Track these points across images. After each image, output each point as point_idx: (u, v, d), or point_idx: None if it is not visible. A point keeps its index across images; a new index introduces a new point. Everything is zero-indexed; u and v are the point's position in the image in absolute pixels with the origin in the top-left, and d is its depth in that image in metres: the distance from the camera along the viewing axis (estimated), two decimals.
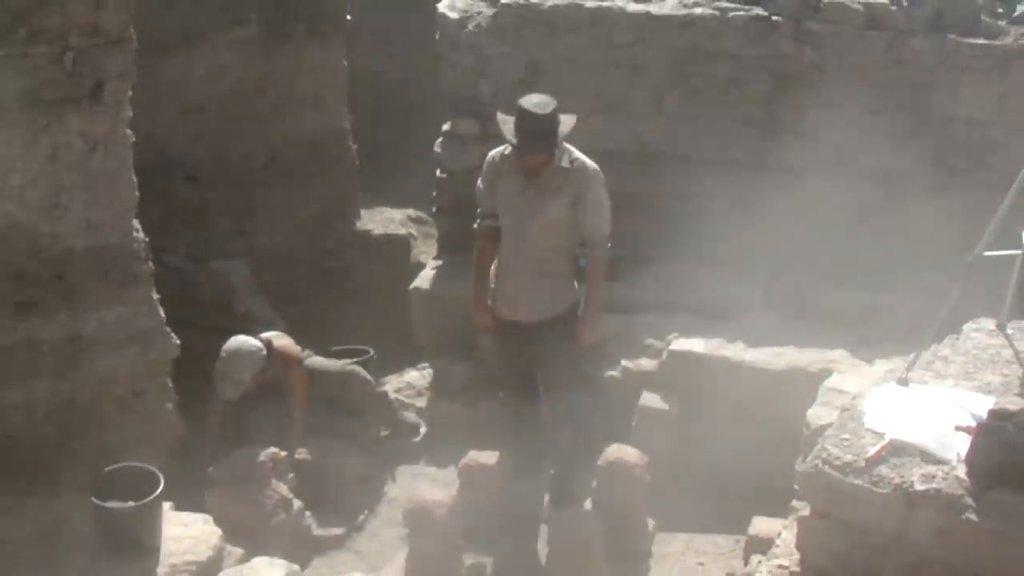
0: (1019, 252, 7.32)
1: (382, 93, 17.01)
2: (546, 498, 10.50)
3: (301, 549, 10.29)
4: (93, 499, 8.98)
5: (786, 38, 12.16)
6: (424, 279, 12.86)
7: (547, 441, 10.56)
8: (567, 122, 9.74)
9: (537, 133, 9.49)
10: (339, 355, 12.01)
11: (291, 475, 10.59)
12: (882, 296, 11.98)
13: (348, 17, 14.90)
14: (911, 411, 7.41)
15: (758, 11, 12.26)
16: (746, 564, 9.31)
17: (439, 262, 13.10)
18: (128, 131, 9.62)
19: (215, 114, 13.98)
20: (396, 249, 15.36)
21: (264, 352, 10.89)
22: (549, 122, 9.54)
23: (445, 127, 13.12)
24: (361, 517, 10.98)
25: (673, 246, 12.44)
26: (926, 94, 12.06)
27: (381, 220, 15.93)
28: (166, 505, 9.33)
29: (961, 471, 6.89)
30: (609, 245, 9.89)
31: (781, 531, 8.61)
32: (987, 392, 7.75)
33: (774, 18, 12.19)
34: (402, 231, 15.77)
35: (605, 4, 12.46)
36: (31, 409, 9.64)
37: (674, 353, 11.14)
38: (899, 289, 12.04)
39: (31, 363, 9.55)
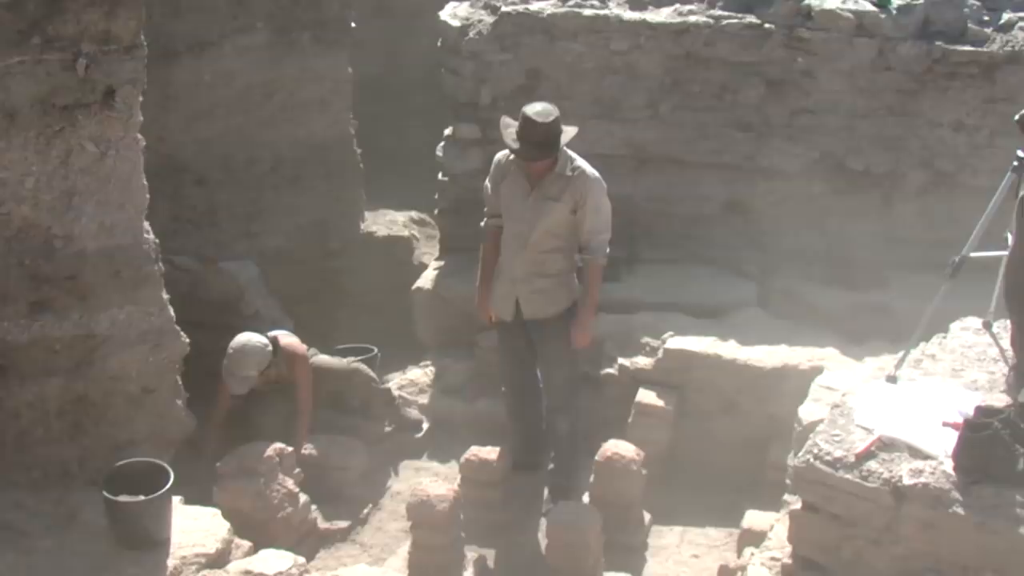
0: (1004, 253, 7.31)
1: (385, 99, 16.99)
2: (545, 492, 10.51)
3: (307, 542, 10.29)
4: (105, 493, 8.96)
5: (778, 45, 12.16)
6: (426, 279, 12.86)
7: (546, 436, 10.56)
8: (569, 132, 9.75)
9: (539, 141, 9.51)
10: (344, 353, 12.01)
11: (297, 470, 10.59)
12: (871, 295, 11.98)
13: (352, 25, 14.89)
14: (900, 408, 7.43)
15: (751, 19, 12.26)
16: (739, 556, 9.31)
17: (441, 263, 13.10)
18: (139, 135, 9.61)
19: (223, 119, 13.96)
20: (399, 250, 15.34)
21: (269, 348, 10.89)
22: (550, 130, 9.56)
23: (447, 132, 13.12)
24: (365, 511, 10.97)
25: (668, 247, 12.47)
26: (914, 99, 12.06)
27: (385, 222, 15.91)
28: (176, 499, 9.32)
29: (948, 466, 6.90)
30: (608, 251, 9.90)
31: (773, 524, 8.63)
32: (974, 389, 7.77)
33: (766, 25, 12.19)
34: (405, 233, 15.75)
35: (602, 12, 12.45)
36: (44, 405, 9.62)
37: (669, 351, 11.15)
38: (888, 289, 12.05)
39: (45, 361, 9.54)
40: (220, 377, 10.90)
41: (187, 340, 10.20)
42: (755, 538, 9.03)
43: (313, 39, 14.42)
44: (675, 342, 11.19)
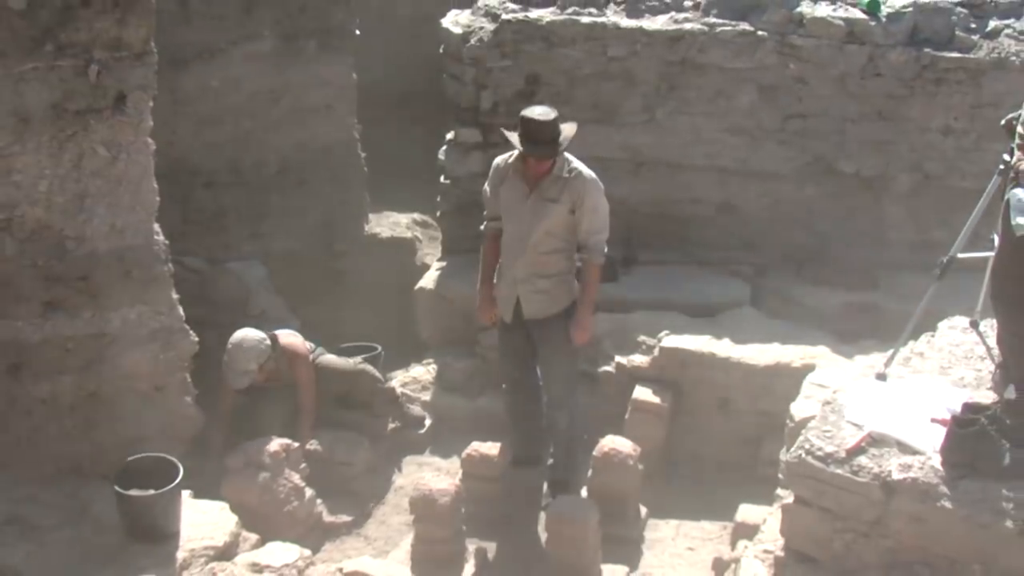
0: (991, 254, 7.32)
1: (389, 104, 17.00)
2: (544, 486, 10.52)
3: (313, 535, 10.29)
4: (116, 487, 8.99)
5: (771, 52, 12.16)
6: (429, 279, 12.86)
7: (545, 432, 10.57)
8: (568, 130, 9.76)
9: (545, 139, 9.52)
10: (348, 351, 12.00)
11: (303, 465, 10.59)
12: (862, 295, 11.99)
13: (357, 32, 14.90)
14: (889, 404, 7.44)
15: (744, 26, 12.26)
16: (733, 549, 9.31)
17: (443, 263, 13.10)
18: (149, 140, 9.62)
19: (231, 124, 13.96)
20: (402, 251, 15.34)
21: (267, 343, 10.88)
22: (554, 128, 9.57)
23: (448, 136, 13.12)
24: (369, 504, 10.97)
25: (664, 248, 12.47)
26: (903, 104, 12.07)
27: (388, 224, 15.91)
28: (185, 493, 9.34)
29: (936, 461, 6.91)
30: (605, 250, 9.91)
31: (766, 518, 8.64)
32: (961, 386, 7.78)
33: (759, 33, 12.19)
34: (408, 234, 15.75)
35: (599, 20, 12.45)
36: (58, 402, 9.64)
37: (665, 349, 11.15)
38: (878, 289, 12.06)
39: (58, 359, 9.55)
40: (222, 376, 10.90)
41: (196, 339, 10.23)
42: (748, 531, 9.04)
43: (318, 46, 14.43)
44: (670, 341, 11.19)
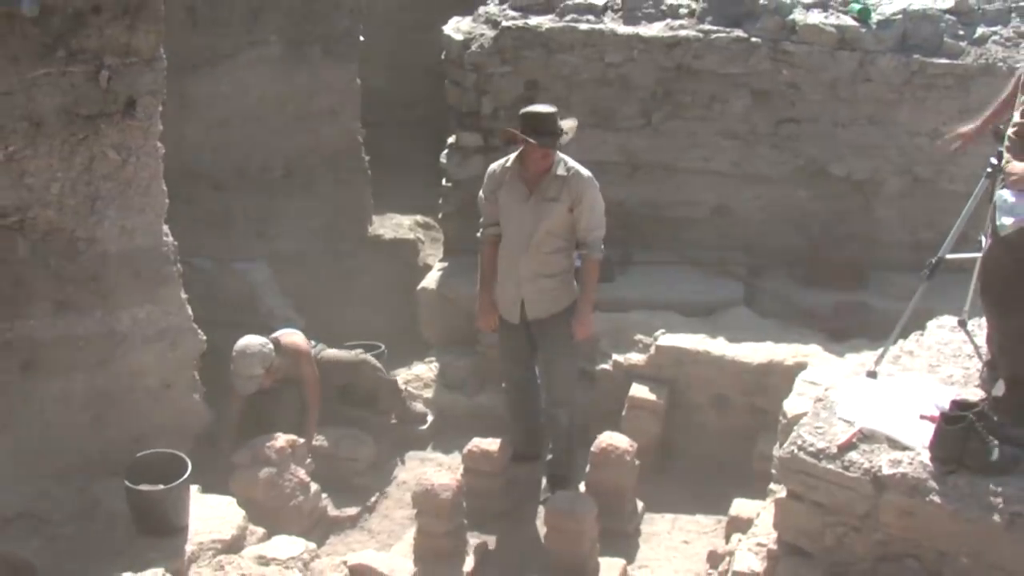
0: (979, 255, 7.32)
1: (392, 109, 17.00)
2: (543, 481, 10.51)
3: (318, 528, 10.30)
4: (126, 482, 9.00)
5: (764, 58, 12.17)
6: (431, 280, 12.87)
7: (544, 428, 10.57)
8: (569, 125, 9.80)
9: (544, 130, 9.54)
10: (352, 349, 11.99)
11: (309, 460, 10.59)
12: (853, 295, 11.99)
13: (361, 39, 14.90)
14: (879, 401, 7.43)
15: (738, 33, 12.27)
16: (727, 542, 9.30)
17: (445, 264, 13.11)
18: (158, 143, 9.63)
19: (238, 128, 13.96)
20: (405, 252, 15.34)
21: (270, 347, 10.86)
22: (553, 120, 9.61)
23: (450, 140, 13.13)
24: (373, 499, 10.97)
25: (660, 249, 12.47)
26: (893, 109, 12.08)
27: (391, 225, 15.91)
28: (193, 488, 9.34)
29: (925, 457, 6.90)
30: (603, 247, 9.91)
31: (760, 512, 8.63)
32: (949, 384, 7.77)
33: (753, 39, 12.20)
34: (410, 235, 15.75)
35: (597, 27, 12.46)
36: (69, 399, 9.64)
37: (661, 348, 11.14)
38: (868, 289, 12.06)
39: (69, 357, 9.56)
40: (231, 382, 10.89)
41: (204, 337, 10.24)
42: (742, 525, 9.03)
43: (323, 52, 14.43)
44: (667, 339, 11.19)
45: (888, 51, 12.02)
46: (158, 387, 10.08)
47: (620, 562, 9.52)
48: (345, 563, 8.85)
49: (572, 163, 9.79)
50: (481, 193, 10.17)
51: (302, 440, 10.59)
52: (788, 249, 12.52)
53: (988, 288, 7.17)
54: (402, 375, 12.73)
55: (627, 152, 12.57)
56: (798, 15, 12.28)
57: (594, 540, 9.39)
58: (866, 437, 7.16)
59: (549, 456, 10.57)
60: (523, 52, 12.54)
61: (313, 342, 11.40)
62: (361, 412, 11.60)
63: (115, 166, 9.40)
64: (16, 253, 9.27)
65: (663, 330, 11.33)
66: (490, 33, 12.71)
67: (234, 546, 9.02)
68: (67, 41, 8.99)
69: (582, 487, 10.12)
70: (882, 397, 7.51)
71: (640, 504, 10.34)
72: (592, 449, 10.06)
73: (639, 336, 11.46)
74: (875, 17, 12.24)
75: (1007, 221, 6.82)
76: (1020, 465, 6.79)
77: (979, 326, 8.02)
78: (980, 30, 12.23)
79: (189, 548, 8.87)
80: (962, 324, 8.42)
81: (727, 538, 9.41)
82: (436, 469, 10.33)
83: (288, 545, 8.82)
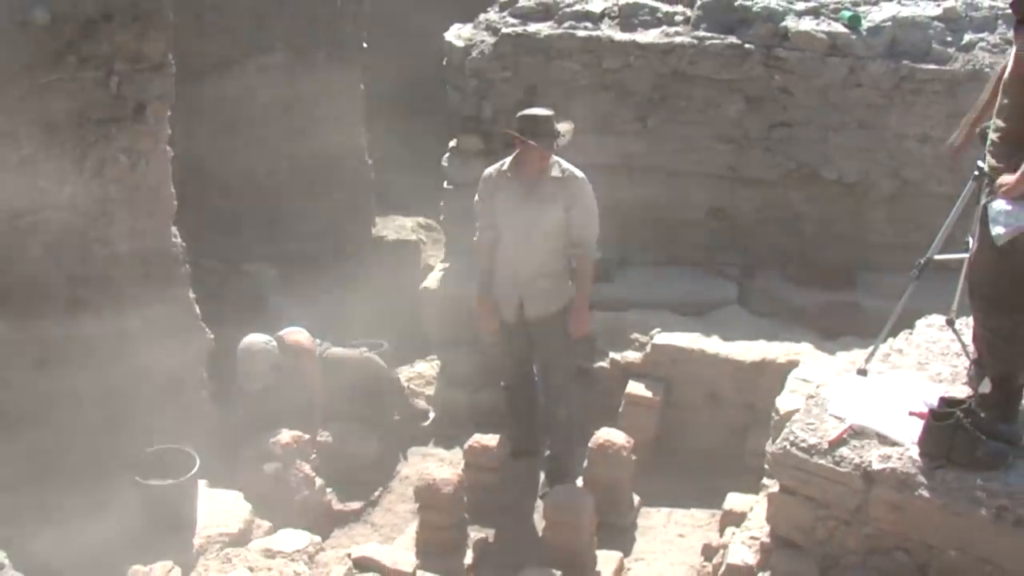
0: (966, 255, 7.32)
1: (395, 113, 17.00)
2: (542, 476, 10.52)
3: (323, 522, 10.28)
4: (136, 477, 9.00)
5: (757, 64, 12.15)
6: (433, 280, 12.86)
7: (543, 425, 10.57)
8: (566, 128, 9.83)
9: (542, 131, 9.57)
10: (356, 348, 12.00)
11: (313, 455, 10.60)
12: (843, 295, 11.99)
13: (364, 45, 14.91)
14: (870, 398, 7.43)
15: (732, 39, 12.25)
16: (721, 535, 9.31)
17: (446, 265, 13.11)
18: (167, 147, 9.64)
19: (245, 132, 13.97)
20: (407, 253, 15.34)
21: (274, 345, 10.87)
22: (550, 122, 9.65)
23: (451, 144, 13.11)
24: (376, 493, 10.97)
25: (656, 250, 12.46)
26: (883, 113, 12.06)
27: (394, 227, 15.93)
28: (202, 483, 9.34)
29: (914, 452, 6.91)
30: (596, 246, 9.92)
31: (753, 506, 8.63)
32: (938, 381, 7.78)
33: (746, 46, 12.18)
34: (413, 237, 15.76)
35: (595, 33, 12.45)
36: (81, 396, 9.64)
37: (657, 346, 11.15)
38: (859, 289, 12.06)
39: (81, 355, 9.55)
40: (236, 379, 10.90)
41: (212, 336, 10.24)
42: (736, 519, 9.03)
43: (328, 58, 14.45)
44: (662, 338, 11.20)
45: (878, 57, 12.01)
46: (167, 384, 10.08)
47: (617, 555, 9.53)
48: (349, 556, 8.85)
49: (567, 165, 9.82)
50: (477, 197, 10.19)
51: (307, 436, 10.59)
52: (781, 250, 12.51)
53: (975, 288, 7.17)
54: (405, 373, 12.75)
55: (624, 155, 12.56)
56: (790, 22, 12.27)
57: (592, 533, 9.40)
58: (856, 433, 7.16)
59: (548, 452, 10.58)
60: (523, 58, 12.53)
61: (318, 340, 11.40)
62: (365, 409, 11.60)
63: (125, 169, 9.41)
64: (29, 254, 9.27)
65: (659, 329, 11.34)
66: (490, 40, 12.71)
67: (241, 539, 9.02)
68: (78, 48, 8.99)
69: (580, 482, 10.13)
70: (872, 394, 7.52)
71: (637, 498, 10.35)
72: (590, 445, 10.07)
73: (635, 335, 11.47)
74: (865, 24, 12.22)
75: (1000, 231, 6.82)
76: (1006, 460, 6.80)
77: (966, 325, 8.02)
78: (968, 36, 12.21)
79: (197, 541, 8.88)
80: (950, 323, 8.43)
81: (721, 531, 9.41)
82: (438, 464, 10.35)
83: (294, 538, 8.81)
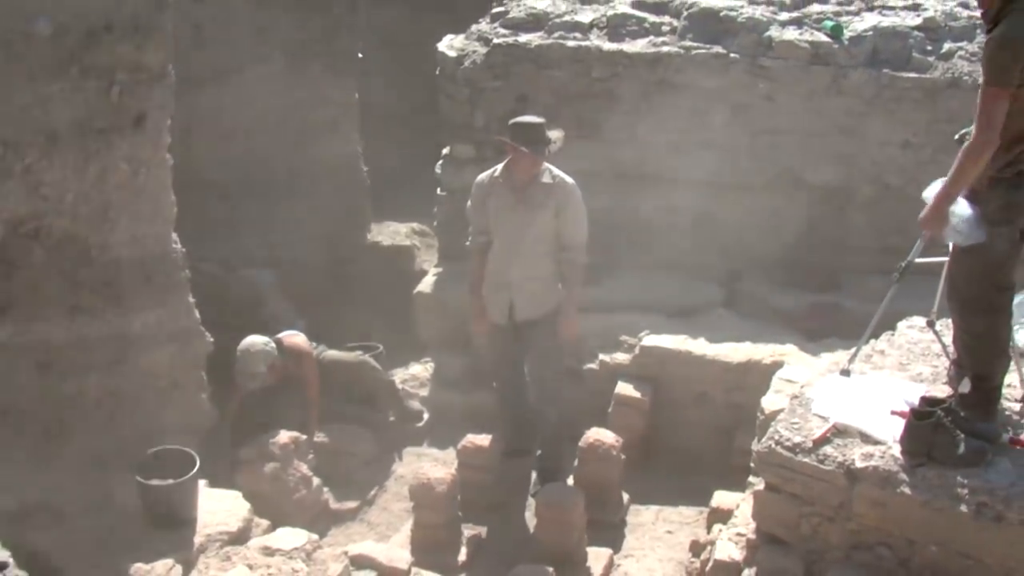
0: (946, 259, 7.32)
1: (389, 121, 17.01)
2: (533, 475, 10.52)
3: (320, 520, 10.29)
4: (138, 477, 9.00)
5: (742, 72, 12.16)
6: (427, 284, 12.85)
7: (534, 425, 10.57)
8: (556, 135, 9.85)
9: (533, 138, 9.59)
10: (352, 351, 12.01)
11: (311, 456, 10.60)
12: (827, 297, 12.00)
13: (360, 55, 14.92)
14: (853, 398, 7.43)
15: (717, 49, 12.26)
16: (708, 532, 9.30)
17: (440, 269, 13.10)
18: (167, 155, 9.64)
19: (244, 140, 13.98)
20: (402, 258, 15.35)
21: (272, 346, 10.87)
22: (542, 129, 9.68)
23: (444, 151, 13.12)
24: (372, 492, 10.97)
25: (644, 254, 12.46)
26: (865, 120, 12.08)
27: (389, 233, 15.92)
28: (201, 482, 9.34)
29: (896, 450, 6.91)
30: (585, 251, 9.93)
31: (739, 503, 8.63)
32: (919, 381, 7.78)
33: (731, 55, 12.20)
34: (407, 242, 15.76)
35: (584, 43, 12.46)
36: (83, 398, 9.64)
37: (645, 348, 11.15)
38: (842, 291, 12.07)
39: (83, 358, 9.56)
40: (234, 378, 10.88)
41: (211, 339, 10.25)
42: (723, 516, 9.03)
43: (324, 68, 14.47)
44: (650, 340, 11.20)
45: (859, 66, 12.03)
46: (168, 387, 10.09)
47: (607, 551, 9.53)
48: (346, 553, 8.84)
49: (557, 171, 9.83)
50: (469, 203, 10.20)
51: (305, 437, 10.61)
52: (766, 253, 12.51)
53: (953, 291, 7.17)
54: (399, 375, 12.75)
55: (613, 162, 12.56)
56: (774, 32, 12.29)
57: (582, 530, 9.40)
58: (840, 432, 7.17)
59: (539, 451, 10.58)
60: (514, 68, 12.54)
61: (315, 343, 11.40)
62: (361, 410, 11.63)
63: (126, 177, 9.41)
64: (33, 260, 9.26)
65: (647, 331, 11.34)
66: (482, 50, 12.71)
67: (240, 537, 9.01)
68: (80, 58, 8.99)
69: (571, 480, 10.14)
70: (855, 394, 7.52)
71: (626, 496, 10.35)
72: (580, 444, 10.09)
73: (624, 337, 11.48)
74: (847, 34, 12.25)
75: (958, 238, 6.85)
76: (985, 458, 6.80)
77: (946, 326, 8.02)
78: (947, 45, 12.24)
79: (198, 539, 8.86)
80: (930, 324, 8.42)
81: (708, 528, 9.41)
82: (432, 464, 10.34)
83: (292, 537, 8.80)
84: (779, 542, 7.34)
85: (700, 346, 11.08)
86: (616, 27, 12.73)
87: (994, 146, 6.50)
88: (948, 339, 7.84)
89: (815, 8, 12.85)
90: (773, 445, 7.22)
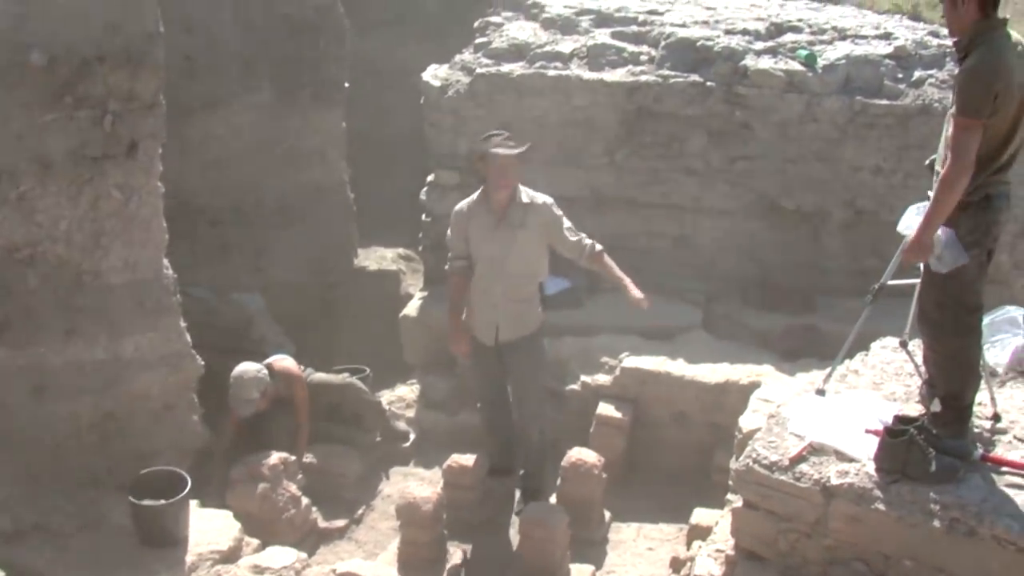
0: (917, 281, 7.34)
1: (376, 149, 17.02)
2: (517, 493, 10.51)
3: (309, 539, 10.27)
4: (130, 497, 8.98)
5: (719, 100, 12.20)
6: (412, 308, 12.84)
7: (517, 444, 10.57)
8: (522, 148, 9.86)
9: (508, 142, 9.64)
10: (339, 373, 12.00)
11: (300, 476, 10.57)
12: (802, 319, 12.02)
13: (347, 85, 14.93)
14: (828, 417, 7.44)
15: (695, 78, 12.30)
16: (688, 549, 9.30)
17: (425, 293, 13.09)
18: (159, 183, 9.64)
19: (234, 168, 13.97)
20: (388, 282, 15.35)
21: (265, 372, 10.84)
22: (509, 137, 9.75)
23: (429, 178, 13.12)
24: (360, 511, 10.95)
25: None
26: (838, 146, 12.12)
27: (375, 258, 15.93)
28: (193, 503, 9.33)
29: (870, 468, 6.92)
30: (594, 243, 9.93)
31: (718, 520, 8.63)
32: (892, 400, 7.79)
33: (708, 84, 12.23)
34: (393, 267, 15.77)
35: (564, 73, 12.49)
36: (77, 420, 9.62)
37: (626, 369, 11.15)
38: (816, 313, 12.09)
39: (77, 381, 9.54)
40: (228, 404, 10.85)
41: (202, 362, 10.23)
42: (702, 532, 9.03)
43: (312, 97, 14.47)
44: (631, 361, 11.20)
45: (833, 93, 12.07)
46: (160, 409, 10.07)
47: (589, 568, 9.52)
48: (334, 571, 8.83)
49: (532, 192, 9.85)
50: (449, 232, 10.20)
51: (294, 457, 10.58)
52: (742, 276, 12.54)
53: (924, 313, 7.19)
54: (386, 396, 12.75)
55: (593, 188, 12.58)
56: (749, 61, 12.33)
57: (565, 548, 9.39)
58: (816, 450, 7.17)
59: (522, 470, 10.58)
60: (496, 96, 12.56)
61: (303, 366, 11.38)
62: (348, 431, 11.61)
63: (119, 204, 9.40)
64: (27, 285, 9.26)
65: (627, 352, 11.34)
66: (465, 79, 12.74)
67: (231, 556, 9.00)
68: (74, 88, 9.00)
69: (553, 499, 10.13)
70: (830, 413, 7.53)
71: (607, 514, 10.34)
72: (562, 463, 10.08)
73: (605, 358, 11.47)
74: (820, 62, 12.30)
75: (935, 262, 6.87)
76: (957, 474, 6.81)
77: (918, 347, 8.03)
78: (917, 73, 12.29)
79: (189, 558, 8.86)
80: (903, 345, 8.44)
81: (688, 545, 9.41)
82: (418, 483, 10.35)
83: (281, 555, 8.80)
84: (757, 558, 7.34)
85: (679, 367, 11.09)
86: (596, 57, 12.76)
87: (969, 173, 6.52)
88: (920, 359, 7.85)
89: (789, 37, 12.90)
90: (751, 463, 7.22)
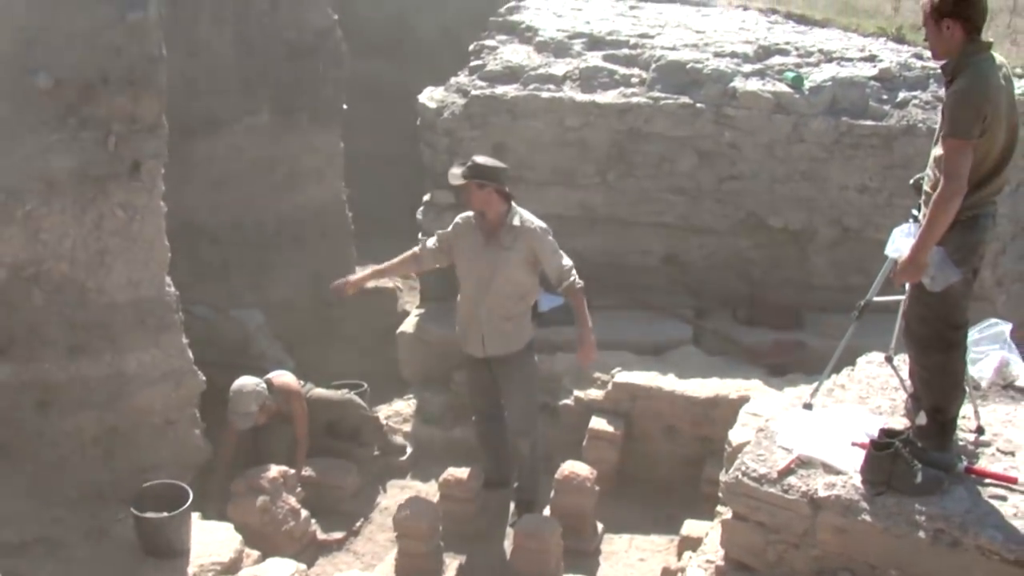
0: (902, 297, 7.35)
1: (373, 169, 17.01)
2: (512, 505, 10.50)
3: (308, 551, 10.25)
4: (133, 510, 8.97)
5: (708, 121, 12.22)
6: (409, 324, 12.83)
7: (511, 458, 10.56)
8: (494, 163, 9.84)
9: (476, 172, 9.60)
10: (338, 388, 11.99)
11: (299, 489, 10.56)
12: (790, 334, 12.02)
13: (344, 107, 14.95)
14: (815, 430, 7.43)
15: (684, 99, 12.32)
16: (679, 559, 9.28)
17: (421, 310, 13.08)
18: (161, 202, 9.65)
19: (234, 187, 13.98)
20: (385, 300, 15.32)
21: (263, 387, 10.83)
22: (485, 167, 9.67)
23: (425, 198, 13.12)
24: (358, 523, 10.92)
25: (615, 295, 12.46)
26: (824, 166, 12.13)
27: None
28: (195, 515, 9.31)
29: (857, 480, 6.91)
30: (577, 277, 9.87)
31: (708, 531, 8.61)
32: (878, 414, 7.78)
33: (698, 105, 12.25)
34: (390, 285, 15.74)
35: (557, 95, 12.50)
36: (81, 435, 9.63)
37: (618, 384, 11.14)
38: (804, 328, 12.09)
39: (81, 396, 9.54)
40: (228, 418, 10.85)
41: (203, 378, 10.23)
42: (693, 544, 9.02)
43: (310, 119, 14.50)
44: (622, 376, 11.19)
45: (819, 114, 12.09)
46: (162, 423, 10.07)
47: None
48: None
49: (526, 215, 9.80)
50: (442, 231, 10.19)
51: (293, 471, 10.56)
52: (731, 293, 12.55)
53: (909, 329, 7.19)
54: (383, 411, 12.72)
55: (585, 207, 12.60)
56: (738, 83, 12.35)
57: (558, 559, 9.39)
58: (803, 463, 7.17)
59: (517, 483, 10.57)
60: (490, 118, 12.57)
61: (302, 382, 11.37)
62: (346, 445, 11.60)
63: (122, 223, 9.42)
64: (32, 302, 9.27)
65: (619, 368, 11.34)
66: (460, 101, 12.75)
67: (232, 568, 8.99)
68: (78, 110, 9.03)
69: (547, 511, 10.11)
70: (817, 426, 7.52)
71: (600, 526, 10.33)
72: (556, 476, 10.07)
73: (597, 374, 11.45)
74: (807, 84, 12.33)
75: (927, 281, 6.87)
76: (942, 486, 6.81)
77: (904, 361, 8.03)
78: (902, 94, 12.31)
79: (191, 570, 8.84)
80: (889, 360, 8.44)
81: (679, 555, 9.39)
82: (415, 496, 10.32)
83: (281, 567, 8.77)
84: (747, 569, 7.33)
85: (670, 382, 11.08)
86: (588, 79, 12.78)
87: (962, 194, 6.52)
88: (905, 373, 7.86)
89: (777, 60, 12.93)
90: (740, 476, 7.22)
